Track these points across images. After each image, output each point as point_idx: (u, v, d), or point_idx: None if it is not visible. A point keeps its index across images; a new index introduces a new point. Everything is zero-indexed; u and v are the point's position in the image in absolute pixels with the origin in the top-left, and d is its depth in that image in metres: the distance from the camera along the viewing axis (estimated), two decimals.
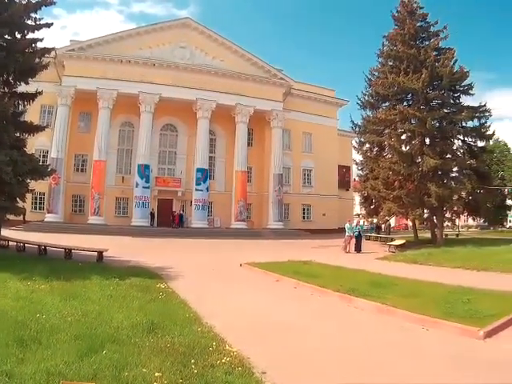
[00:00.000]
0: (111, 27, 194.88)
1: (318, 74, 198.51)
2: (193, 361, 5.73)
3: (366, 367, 6.32)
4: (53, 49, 22.80)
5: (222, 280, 14.81)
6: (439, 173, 32.03)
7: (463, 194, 32.71)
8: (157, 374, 5.15)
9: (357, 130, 38.17)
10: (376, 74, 36.30)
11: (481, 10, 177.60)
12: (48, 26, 20.13)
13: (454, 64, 32.82)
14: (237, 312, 9.82)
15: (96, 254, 18.36)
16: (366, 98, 36.70)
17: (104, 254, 18.49)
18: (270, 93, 50.38)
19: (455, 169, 33.05)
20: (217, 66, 48.15)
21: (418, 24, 34.40)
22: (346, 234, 28.36)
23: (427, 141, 32.70)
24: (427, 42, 34.16)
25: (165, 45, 46.44)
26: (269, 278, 15.57)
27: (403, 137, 33.55)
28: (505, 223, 71.64)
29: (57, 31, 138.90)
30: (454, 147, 33.68)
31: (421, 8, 34.60)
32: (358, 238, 28.58)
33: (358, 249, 27.93)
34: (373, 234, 40.42)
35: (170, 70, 45.98)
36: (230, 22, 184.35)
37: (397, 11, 35.03)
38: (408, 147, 32.75)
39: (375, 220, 40.33)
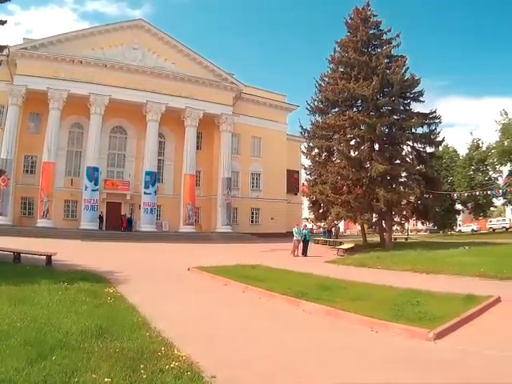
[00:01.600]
0: (64, 25, 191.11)
1: (270, 78, 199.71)
2: (142, 366, 5.61)
3: (315, 370, 6.29)
4: (6, 46, 22.06)
5: (171, 284, 14.72)
6: (388, 178, 32.49)
7: (412, 198, 33.35)
8: (106, 380, 5.05)
9: (306, 135, 38.29)
10: (327, 79, 36.35)
11: (435, 19, 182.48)
12: (2, 23, 19.43)
13: (405, 71, 33.37)
14: (185, 316, 9.74)
15: (45, 257, 17.84)
16: (316, 103, 36.76)
17: (53, 257, 17.98)
18: (220, 96, 50.41)
19: (404, 174, 33.46)
20: (168, 69, 48.01)
21: (371, 31, 34.75)
22: (294, 237, 28.34)
23: (376, 146, 33.05)
24: (379, 50, 34.59)
25: (117, 46, 46.00)
26: (217, 282, 15.42)
27: (352, 142, 33.84)
28: (454, 227, 73.09)
29: (11, 28, 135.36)
30: (403, 153, 34.28)
31: (374, 16, 34.98)
32: (306, 241, 28.53)
33: (305, 252, 27.92)
34: (321, 238, 40.64)
35: (122, 71, 45.45)
36: (183, 24, 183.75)
37: (350, 18, 35.20)
38: (357, 152, 33.05)
39: (323, 224, 40.52)
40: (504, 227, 68.21)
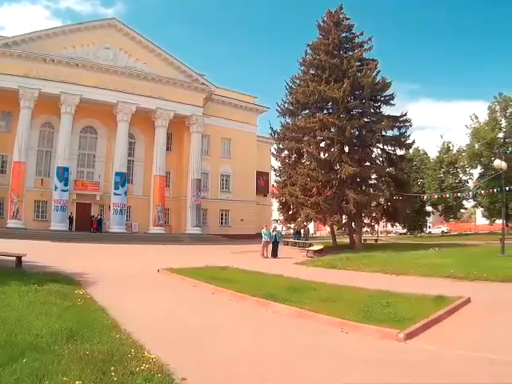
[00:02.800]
0: (37, 23, 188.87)
1: (242, 80, 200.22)
2: (112, 368, 5.52)
3: (285, 370, 6.26)
4: None
5: (140, 286, 14.66)
6: (358, 180, 32.76)
7: (381, 200, 33.67)
8: (77, 383, 4.94)
9: (276, 136, 38.47)
10: (297, 82, 36.47)
11: (408, 23, 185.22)
12: None
13: (376, 75, 33.77)
14: (155, 318, 9.63)
15: (15, 258, 17.38)
16: (286, 105, 36.91)
17: (23, 258, 17.53)
18: (191, 98, 50.32)
19: (374, 176, 33.83)
20: (139, 69, 47.62)
21: (343, 34, 35.09)
22: (263, 239, 28.27)
23: (346, 149, 33.25)
24: (351, 53, 34.86)
25: (89, 45, 45.34)
26: (186, 283, 15.32)
27: (322, 144, 33.91)
28: (424, 229, 74.25)
29: None
30: (373, 155, 34.72)
31: (347, 19, 35.30)
32: (276, 243, 28.47)
33: (275, 254, 27.84)
34: (291, 240, 40.65)
35: (93, 70, 44.87)
36: (156, 23, 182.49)
37: (323, 21, 35.42)
38: (327, 154, 33.19)
39: (293, 225, 40.54)
40: (442, 231, 75.24)
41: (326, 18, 35.32)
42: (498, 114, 57.44)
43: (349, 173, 30.21)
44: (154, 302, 11.69)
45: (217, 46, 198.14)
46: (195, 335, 8.22)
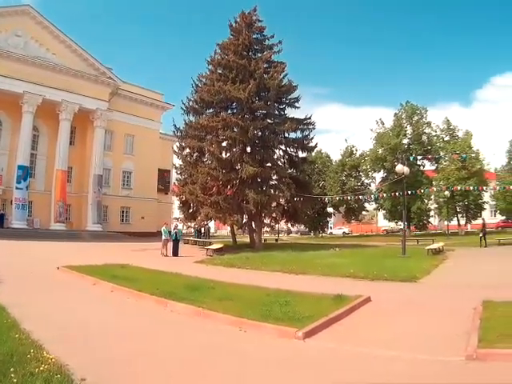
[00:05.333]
0: None
1: (153, 76, 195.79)
2: (12, 369, 5.37)
3: (185, 369, 6.28)
4: None
5: (40, 284, 14.21)
6: (258, 180, 32.99)
7: (282, 201, 33.97)
8: None
9: (179, 134, 38.19)
10: (204, 80, 36.19)
11: (324, 31, 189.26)
12: None
13: (283, 77, 34.16)
14: (54, 317, 9.33)
15: None
16: (191, 103, 36.49)
17: None
18: (97, 91, 49.36)
19: (275, 177, 34.20)
20: (49, 60, 45.94)
21: (254, 36, 35.12)
22: (163, 237, 27.97)
23: (248, 149, 33.38)
24: (260, 54, 34.95)
25: (1, 32, 43.01)
26: (86, 281, 15.09)
27: (224, 144, 33.81)
28: (326, 229, 76.22)
29: None
30: (275, 156, 34.97)
31: (260, 21, 35.34)
32: (176, 241, 28.13)
33: (175, 253, 27.51)
34: (191, 238, 40.39)
35: (1, 58, 42.57)
36: (74, 13, 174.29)
37: (235, 21, 35.28)
38: (228, 154, 33.14)
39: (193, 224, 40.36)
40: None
41: (238, 19, 35.24)
42: (404, 121, 60.17)
43: (249, 173, 30.35)
44: (53, 301, 11.38)
45: (127, 40, 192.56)
46: (94, 335, 8.07)
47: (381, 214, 74.35)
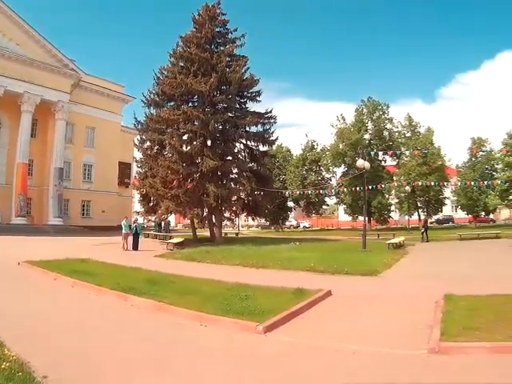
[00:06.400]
0: None
1: (114, 68, 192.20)
2: None
3: (147, 364, 6.22)
4: None
5: (0, 280, 14.08)
6: (219, 174, 33.02)
7: (242, 194, 34.01)
8: None
9: (139, 127, 38.01)
10: (165, 73, 35.92)
11: (290, 26, 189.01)
12: None
13: (245, 71, 34.13)
14: (15, 314, 9.23)
15: None
16: (153, 96, 36.18)
17: None
18: (59, 83, 48.33)
19: (235, 171, 34.17)
20: (12, 50, 44.52)
21: (217, 29, 35.00)
22: (123, 231, 27.67)
23: (209, 142, 33.29)
24: (222, 48, 34.81)
25: None
26: (47, 276, 14.96)
27: (185, 137, 33.71)
28: (287, 223, 76.47)
29: None
30: (236, 150, 35.04)
31: (223, 14, 35.21)
32: (136, 235, 27.87)
33: (135, 247, 27.25)
34: (152, 232, 40.12)
35: None
36: (37, 3, 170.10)
37: (198, 14, 35.01)
38: (189, 147, 32.95)
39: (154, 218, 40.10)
40: (304, 226, 79.27)
41: (201, 12, 34.98)
42: (365, 117, 60.86)
43: (210, 166, 30.33)
44: (13, 297, 11.24)
45: (90, 31, 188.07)
46: (55, 330, 7.99)
47: (341, 208, 74.89)
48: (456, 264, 17.85)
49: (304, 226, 79.51)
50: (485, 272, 14.79)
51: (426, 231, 33.71)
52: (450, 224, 68.53)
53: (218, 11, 34.95)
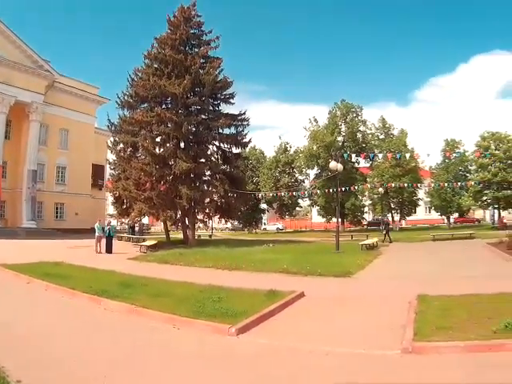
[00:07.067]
0: None
1: (89, 69, 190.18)
2: None
3: (121, 369, 6.21)
4: None
5: None
6: (192, 176, 32.96)
7: (215, 197, 33.99)
8: None
9: (113, 129, 37.79)
10: (140, 74, 35.63)
11: (259, 30, 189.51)
12: None
13: (219, 73, 34.07)
14: None
15: None
16: (126, 97, 35.95)
17: None
18: (33, 84, 47.55)
19: (208, 173, 34.16)
20: None
21: (192, 31, 34.83)
22: (96, 234, 27.45)
23: (182, 144, 33.24)
24: (197, 50, 34.71)
25: None
26: (20, 280, 14.93)
27: (158, 139, 33.48)
28: (259, 225, 76.59)
29: None
30: (209, 152, 35.02)
31: (198, 16, 35.04)
32: (109, 238, 27.69)
33: (109, 249, 27.04)
34: (125, 235, 39.84)
35: None
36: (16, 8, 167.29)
37: (174, 15, 34.82)
38: (162, 150, 32.89)
39: (127, 220, 39.82)
40: (278, 228, 79.44)
41: (177, 13, 34.81)
42: (339, 119, 61.27)
43: (183, 168, 30.33)
44: None
45: (66, 33, 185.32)
46: (29, 334, 7.97)
47: (315, 210, 75.15)
48: (429, 264, 18.04)
49: (277, 228, 79.76)
50: (458, 272, 14.94)
51: (388, 232, 34.40)
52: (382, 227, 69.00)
53: (193, 13, 34.81)
